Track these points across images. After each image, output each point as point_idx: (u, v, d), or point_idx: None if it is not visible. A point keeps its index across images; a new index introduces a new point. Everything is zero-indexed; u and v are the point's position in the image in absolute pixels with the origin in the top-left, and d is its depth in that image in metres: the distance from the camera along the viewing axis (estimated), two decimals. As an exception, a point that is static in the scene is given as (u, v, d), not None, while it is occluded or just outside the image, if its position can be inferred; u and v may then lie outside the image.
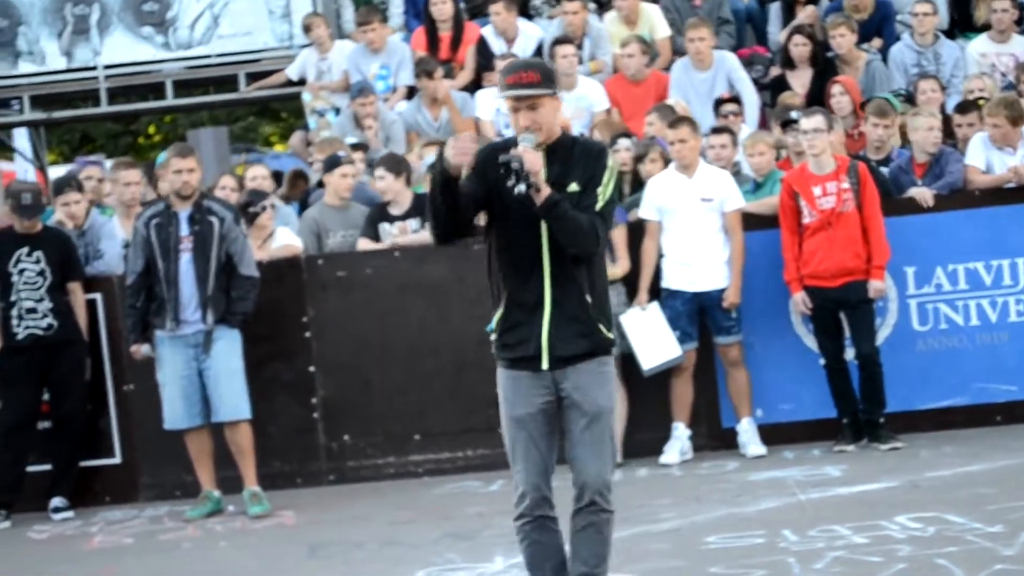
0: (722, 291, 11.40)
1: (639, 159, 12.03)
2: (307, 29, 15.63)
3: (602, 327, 6.60)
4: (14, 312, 11.45)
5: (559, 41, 13.99)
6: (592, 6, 15.27)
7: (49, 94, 17.47)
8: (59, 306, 11.49)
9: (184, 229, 10.90)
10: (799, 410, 11.69)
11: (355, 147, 13.31)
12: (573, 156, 6.62)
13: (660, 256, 11.50)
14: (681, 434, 11.49)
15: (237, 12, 16.80)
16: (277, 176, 14.28)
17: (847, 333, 11.32)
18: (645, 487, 10.73)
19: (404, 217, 11.93)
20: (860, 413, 11.29)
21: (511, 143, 6.57)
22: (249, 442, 11.01)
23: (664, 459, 11.41)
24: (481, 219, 6.64)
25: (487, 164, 6.53)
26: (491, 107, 13.97)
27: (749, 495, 10.04)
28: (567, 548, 6.71)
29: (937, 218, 11.64)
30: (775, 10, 15.19)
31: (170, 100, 17.42)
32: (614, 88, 14.07)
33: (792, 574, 7.95)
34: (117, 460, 11.88)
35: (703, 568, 8.21)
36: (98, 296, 11.85)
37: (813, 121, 11.26)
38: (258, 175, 12.80)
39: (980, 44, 14.22)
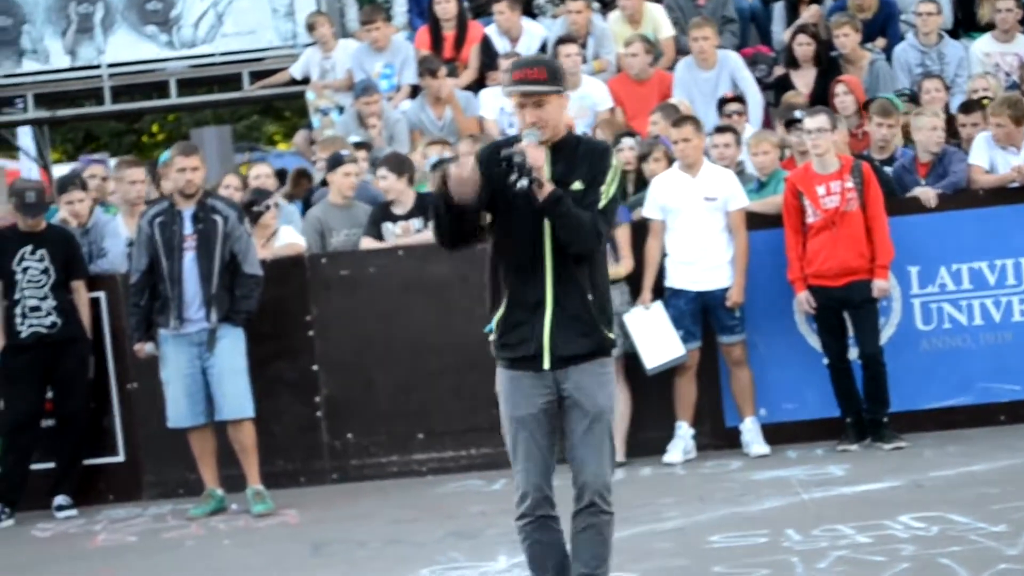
0: (726, 290, 11.39)
1: (643, 158, 12.03)
2: (311, 28, 15.64)
3: (603, 327, 6.59)
4: (18, 310, 11.46)
5: (563, 40, 13.99)
6: (596, 5, 15.27)
7: (53, 92, 17.49)
8: (63, 304, 11.49)
9: (188, 227, 10.90)
10: (802, 409, 11.68)
11: (359, 146, 13.31)
12: (577, 155, 6.61)
13: (664, 255, 11.49)
14: (685, 433, 11.48)
15: (241, 11, 16.80)
16: (281, 175, 14.30)
17: (851, 332, 11.31)
18: (649, 486, 10.73)
19: (407, 217, 11.93)
20: (864, 413, 11.29)
21: (514, 141, 6.56)
22: (252, 441, 11.02)
23: (667, 458, 11.40)
24: (485, 219, 6.62)
25: (490, 162, 6.53)
26: (495, 106, 13.97)
27: (752, 494, 10.04)
28: (569, 547, 6.72)
29: (941, 218, 11.64)
30: (779, 9, 15.19)
31: (174, 99, 17.43)
32: (618, 87, 14.06)
33: (795, 573, 7.95)
34: (121, 458, 11.89)
35: (706, 567, 8.21)
36: (102, 294, 11.85)
37: (817, 120, 11.26)
38: (261, 174, 12.80)
39: (984, 44, 14.21)
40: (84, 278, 11.68)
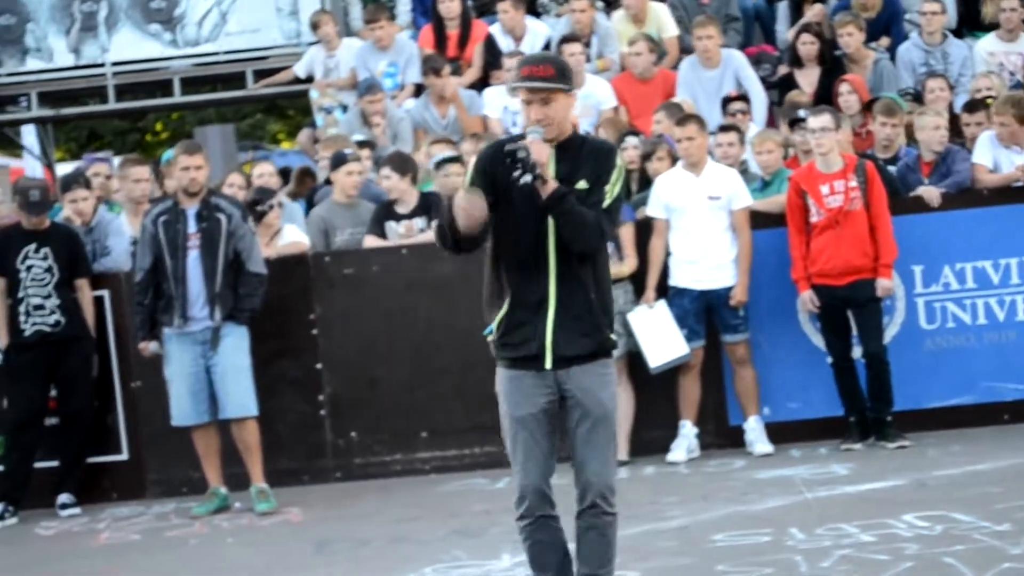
0: (729, 289, 11.39)
1: (647, 157, 12.03)
2: (315, 26, 15.65)
3: (605, 328, 6.58)
4: (21, 308, 11.46)
5: (567, 39, 13.98)
6: (600, 4, 15.27)
7: (57, 91, 17.50)
8: (66, 303, 11.50)
9: (192, 226, 10.90)
10: (806, 408, 11.68)
11: (362, 144, 13.31)
12: (582, 155, 6.59)
13: (668, 254, 11.49)
14: (688, 432, 11.48)
15: (245, 9, 16.82)
16: (284, 173, 14.30)
17: (854, 332, 11.31)
18: (652, 485, 10.74)
19: (410, 216, 11.93)
20: (867, 412, 11.28)
21: (518, 139, 6.55)
22: (256, 439, 11.02)
23: (671, 457, 11.40)
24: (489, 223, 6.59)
25: (493, 160, 6.52)
26: (499, 105, 13.98)
27: (756, 493, 10.04)
28: (571, 546, 6.71)
29: (945, 217, 11.64)
30: (783, 8, 15.20)
31: (177, 97, 17.45)
32: (622, 86, 14.06)
33: (799, 572, 7.94)
34: (124, 457, 11.90)
35: (710, 566, 8.20)
36: (105, 293, 11.86)
37: (821, 120, 11.25)
38: (265, 172, 12.81)
39: (988, 43, 14.21)
40: (88, 276, 11.69)
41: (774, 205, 11.57)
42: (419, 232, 11.81)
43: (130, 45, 16.93)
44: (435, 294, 11.75)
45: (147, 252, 10.95)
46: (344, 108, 14.82)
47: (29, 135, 20.28)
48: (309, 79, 15.66)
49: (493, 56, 14.66)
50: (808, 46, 14.11)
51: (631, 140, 12.24)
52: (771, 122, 13.84)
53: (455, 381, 11.66)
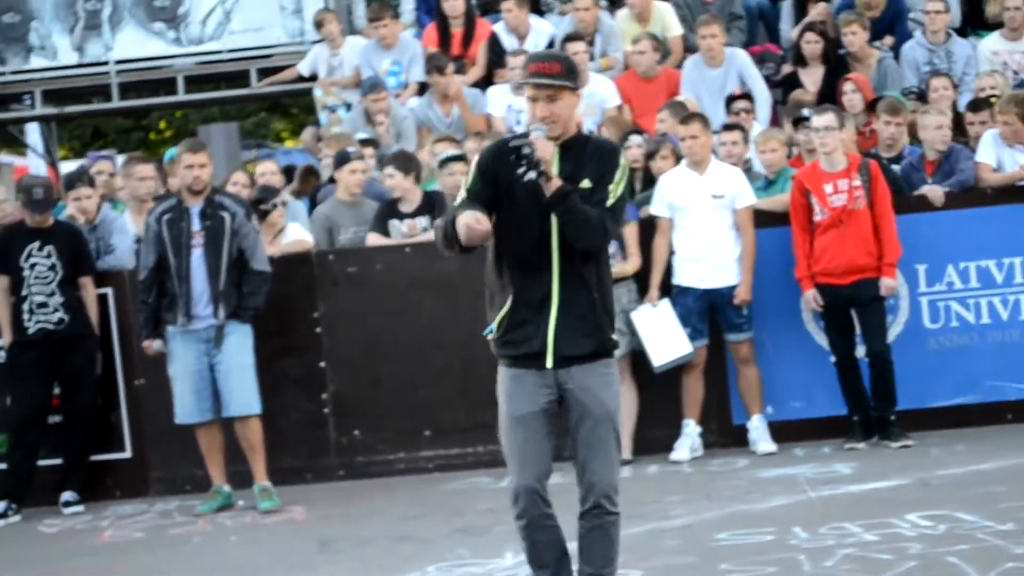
0: (733, 288, 11.39)
1: (650, 156, 12.03)
2: (319, 25, 15.65)
3: (607, 328, 6.58)
4: (25, 306, 11.47)
5: (570, 38, 13.98)
6: (604, 3, 15.26)
7: (61, 89, 17.51)
8: (70, 301, 11.50)
9: (196, 224, 10.91)
10: (810, 407, 11.68)
11: (366, 143, 13.31)
12: (586, 154, 6.60)
13: (671, 253, 11.49)
14: (692, 431, 11.48)
15: (249, 8, 16.82)
16: (288, 172, 14.29)
17: (858, 330, 11.31)
18: (655, 484, 10.73)
19: (414, 215, 11.93)
20: (871, 411, 11.28)
21: (522, 137, 6.55)
22: (259, 437, 11.02)
23: (674, 456, 11.40)
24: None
25: (497, 158, 6.52)
26: (502, 103, 13.97)
27: (759, 492, 10.04)
28: (571, 545, 6.70)
29: (948, 216, 11.63)
30: (787, 7, 15.19)
31: (181, 96, 17.46)
32: (626, 85, 14.06)
33: (802, 571, 7.94)
34: (128, 454, 11.90)
35: (714, 565, 8.20)
36: (109, 291, 11.86)
37: (825, 118, 11.25)
38: (268, 171, 12.80)
39: (992, 42, 14.20)
40: (91, 274, 11.69)
41: (778, 204, 11.57)
42: (422, 231, 11.81)
43: (134, 43, 16.94)
44: (439, 293, 11.75)
45: (151, 250, 10.96)
46: (348, 106, 14.82)
47: (33, 133, 20.30)
48: (313, 77, 15.66)
49: (497, 54, 14.65)
50: (812, 45, 14.11)
51: (635, 139, 12.23)
52: (775, 121, 13.84)
53: (459, 379, 11.66)
